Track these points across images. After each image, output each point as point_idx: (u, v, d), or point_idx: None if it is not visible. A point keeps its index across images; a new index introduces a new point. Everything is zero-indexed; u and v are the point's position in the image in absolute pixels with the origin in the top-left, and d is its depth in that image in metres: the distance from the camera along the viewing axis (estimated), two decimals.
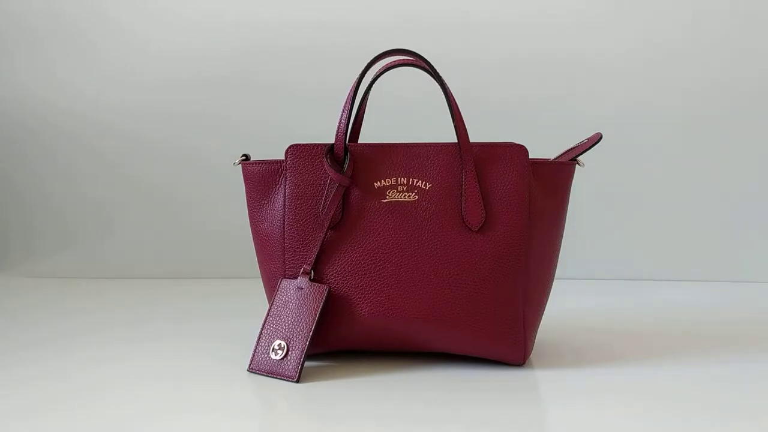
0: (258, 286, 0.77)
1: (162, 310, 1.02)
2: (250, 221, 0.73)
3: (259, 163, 0.71)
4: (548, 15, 1.26)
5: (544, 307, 0.71)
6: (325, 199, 0.68)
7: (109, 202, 1.34)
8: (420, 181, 0.68)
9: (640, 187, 1.26)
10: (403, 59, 0.70)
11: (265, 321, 0.68)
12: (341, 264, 0.68)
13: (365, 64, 0.69)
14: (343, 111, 0.69)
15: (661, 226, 1.26)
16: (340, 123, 0.69)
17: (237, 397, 0.62)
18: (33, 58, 1.32)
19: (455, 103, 0.69)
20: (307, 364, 0.70)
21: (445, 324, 0.67)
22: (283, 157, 0.70)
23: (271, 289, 0.71)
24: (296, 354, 0.65)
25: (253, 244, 0.74)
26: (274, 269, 0.70)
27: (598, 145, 0.71)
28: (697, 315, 0.97)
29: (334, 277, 0.68)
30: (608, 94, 1.26)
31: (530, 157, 0.68)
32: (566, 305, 0.96)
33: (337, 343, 0.70)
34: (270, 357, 0.66)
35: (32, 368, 0.71)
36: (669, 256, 1.25)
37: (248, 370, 0.67)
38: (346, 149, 0.68)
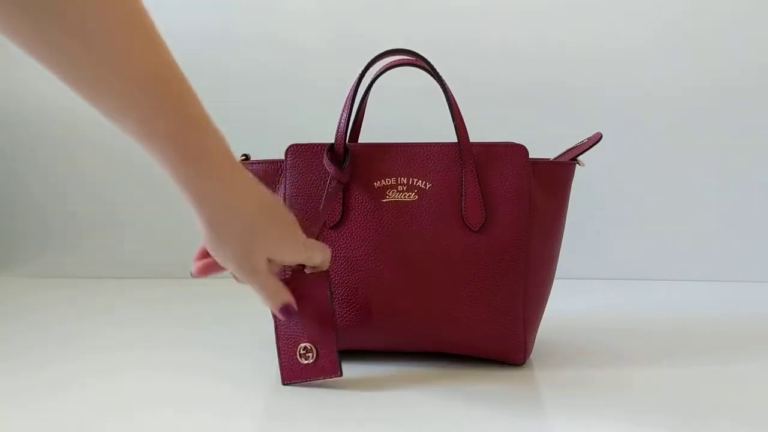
0: None
1: (163, 309, 1.02)
2: None
3: (259, 163, 0.71)
4: (550, 12, 1.26)
5: (545, 307, 0.71)
6: (325, 198, 0.68)
7: (112, 201, 1.34)
8: (420, 181, 0.68)
9: (641, 186, 1.26)
10: (403, 59, 0.70)
11: (276, 330, 0.64)
12: (341, 264, 0.68)
13: (365, 64, 0.69)
14: (343, 110, 0.69)
15: (661, 226, 1.26)
16: (340, 122, 0.69)
17: (238, 396, 0.62)
18: (15, 62, 1.31)
19: (455, 102, 0.69)
20: None
21: (445, 324, 0.67)
22: (283, 157, 0.70)
23: None
24: (328, 350, 0.63)
25: None
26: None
27: (598, 144, 0.71)
28: (698, 315, 0.96)
29: (334, 277, 0.67)
30: (609, 94, 1.26)
31: (530, 156, 0.68)
32: (566, 305, 0.96)
33: (337, 343, 0.69)
34: (300, 363, 0.63)
35: (32, 368, 0.71)
36: (669, 256, 1.25)
37: (284, 384, 0.64)
38: (345, 148, 0.68)
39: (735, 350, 0.77)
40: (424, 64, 0.69)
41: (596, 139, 0.71)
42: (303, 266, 0.63)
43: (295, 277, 0.63)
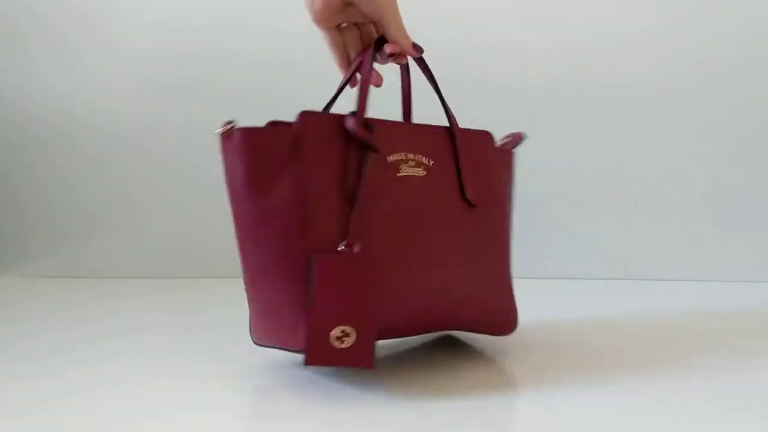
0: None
1: (160, 309, 0.99)
2: (247, 198, 0.60)
3: (264, 130, 0.61)
4: (541, 8, 1.27)
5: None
6: (345, 169, 0.62)
7: (103, 202, 1.31)
8: (424, 158, 0.68)
9: (640, 186, 1.25)
10: None
11: (311, 308, 0.56)
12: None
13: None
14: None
15: (660, 226, 1.24)
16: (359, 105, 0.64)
17: (235, 395, 0.60)
18: (27, 60, 1.28)
19: (439, 89, 0.72)
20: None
21: (455, 300, 0.67)
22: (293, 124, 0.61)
23: (270, 275, 0.60)
24: (367, 338, 0.56)
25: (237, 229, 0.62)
26: (286, 244, 0.59)
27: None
28: (696, 315, 0.95)
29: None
30: (608, 92, 1.23)
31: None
32: (564, 305, 0.95)
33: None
34: (332, 347, 0.55)
35: (28, 368, 0.67)
36: (668, 256, 1.23)
37: (306, 364, 0.54)
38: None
39: (734, 350, 0.75)
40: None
41: (518, 139, 0.81)
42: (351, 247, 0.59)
43: (339, 261, 0.58)
